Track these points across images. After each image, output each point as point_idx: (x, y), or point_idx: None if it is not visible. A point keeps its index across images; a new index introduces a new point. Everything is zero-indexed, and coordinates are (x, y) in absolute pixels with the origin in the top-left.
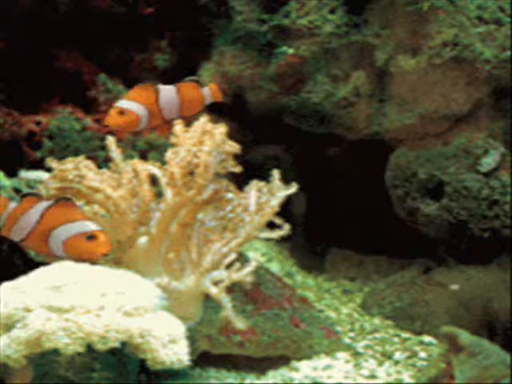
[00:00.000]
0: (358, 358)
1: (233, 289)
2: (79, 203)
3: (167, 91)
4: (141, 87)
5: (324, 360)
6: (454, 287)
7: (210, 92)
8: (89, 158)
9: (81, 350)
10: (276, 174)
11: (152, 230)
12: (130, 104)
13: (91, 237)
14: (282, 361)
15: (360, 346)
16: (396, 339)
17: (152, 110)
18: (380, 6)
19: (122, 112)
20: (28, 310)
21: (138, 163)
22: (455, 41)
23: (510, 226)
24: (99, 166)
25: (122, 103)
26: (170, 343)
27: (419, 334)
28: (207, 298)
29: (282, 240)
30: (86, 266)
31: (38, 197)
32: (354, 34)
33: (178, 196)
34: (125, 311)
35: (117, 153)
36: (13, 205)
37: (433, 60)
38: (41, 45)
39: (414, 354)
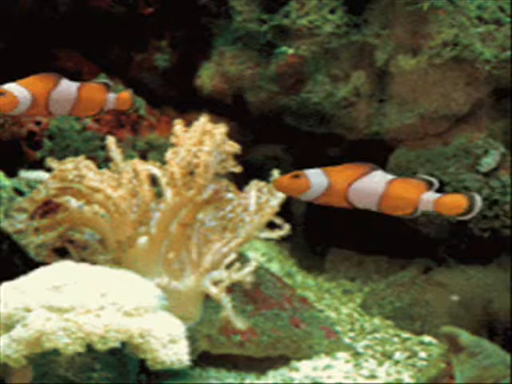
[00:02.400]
0: (358, 358)
1: (233, 289)
2: (79, 203)
3: (66, 86)
4: (41, 75)
5: (324, 360)
6: (455, 298)
7: (114, 100)
8: (89, 158)
9: (81, 350)
10: (276, 174)
11: (152, 229)
12: (15, 87)
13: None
14: (282, 361)
15: (360, 345)
16: (396, 339)
17: (38, 98)
18: (380, 6)
19: (1, 93)
20: (28, 310)
21: (138, 163)
22: (455, 41)
23: (510, 226)
24: (99, 166)
25: (8, 85)
26: (169, 343)
27: (419, 334)
28: (207, 298)
29: (282, 240)
30: (86, 266)
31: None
32: (354, 34)
33: (178, 196)
34: (125, 311)
35: (117, 153)
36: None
37: (433, 60)
38: (41, 45)
39: (413, 354)
